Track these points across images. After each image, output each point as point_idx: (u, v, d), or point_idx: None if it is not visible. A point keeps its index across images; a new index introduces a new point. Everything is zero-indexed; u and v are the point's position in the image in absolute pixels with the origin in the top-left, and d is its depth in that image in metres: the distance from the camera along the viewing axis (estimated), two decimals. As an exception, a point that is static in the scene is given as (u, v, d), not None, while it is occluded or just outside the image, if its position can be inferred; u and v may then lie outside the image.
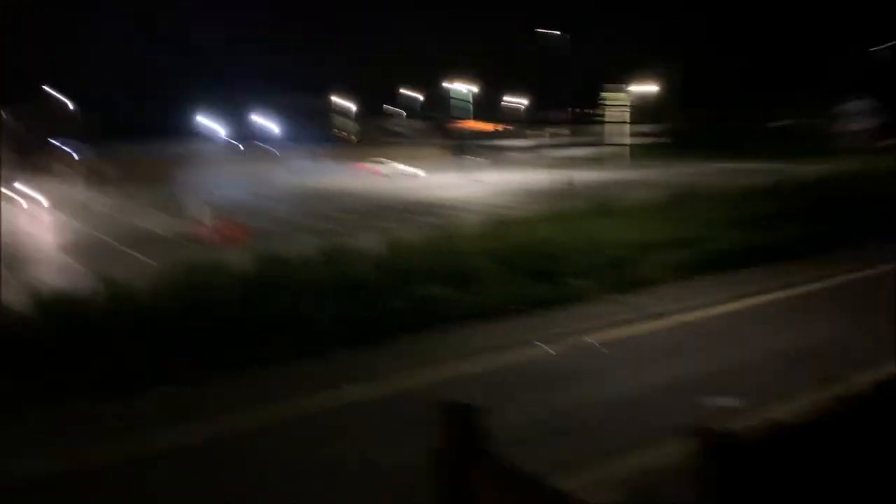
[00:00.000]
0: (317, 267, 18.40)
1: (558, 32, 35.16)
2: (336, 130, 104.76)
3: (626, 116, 30.92)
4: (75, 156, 61.36)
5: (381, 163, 62.47)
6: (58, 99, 58.04)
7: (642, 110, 75.65)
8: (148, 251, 27.81)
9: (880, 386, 7.38)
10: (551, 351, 14.82)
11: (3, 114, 67.12)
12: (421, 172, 58.32)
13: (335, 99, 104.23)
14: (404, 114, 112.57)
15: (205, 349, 14.51)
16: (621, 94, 71.36)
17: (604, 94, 73.44)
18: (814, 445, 5.76)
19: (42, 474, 10.28)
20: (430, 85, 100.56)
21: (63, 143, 57.56)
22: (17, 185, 51.11)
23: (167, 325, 14.90)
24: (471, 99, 67.49)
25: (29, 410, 12.32)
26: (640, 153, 71.77)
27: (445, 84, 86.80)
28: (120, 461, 10.75)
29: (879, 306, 16.21)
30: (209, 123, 78.69)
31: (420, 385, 13.45)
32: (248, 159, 71.26)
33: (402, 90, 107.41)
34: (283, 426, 12.01)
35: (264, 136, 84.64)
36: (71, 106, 57.62)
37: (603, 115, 76.39)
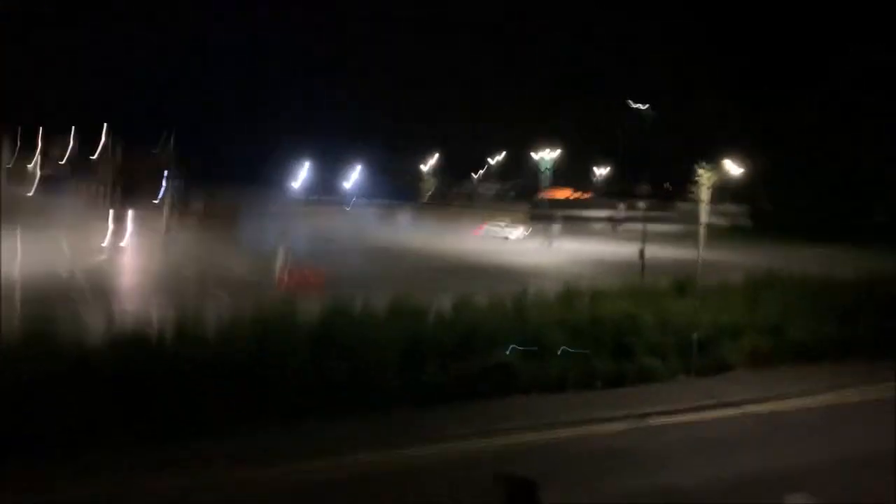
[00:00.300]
0: (388, 324, 18.62)
1: (645, 106, 35.46)
2: (427, 190, 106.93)
3: (709, 194, 30.83)
4: (178, 197, 64.61)
5: (502, 226, 61.27)
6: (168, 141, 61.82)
7: (730, 189, 74.58)
8: (230, 293, 28.83)
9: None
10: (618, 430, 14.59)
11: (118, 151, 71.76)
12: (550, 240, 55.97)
13: (430, 160, 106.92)
14: (480, 176, 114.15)
15: (269, 401, 14.84)
16: (706, 172, 70.43)
17: (695, 171, 72.65)
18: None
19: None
20: (513, 148, 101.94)
21: (169, 184, 61.01)
22: (122, 219, 53.91)
23: (237, 373, 15.33)
24: (551, 165, 67.81)
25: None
26: (722, 233, 70.60)
27: (530, 151, 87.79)
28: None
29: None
30: (305, 176, 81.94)
31: (487, 449, 13.33)
32: (349, 213, 73.43)
33: (487, 156, 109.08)
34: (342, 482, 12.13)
35: (358, 192, 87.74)
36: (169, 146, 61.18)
37: (686, 192, 75.60)
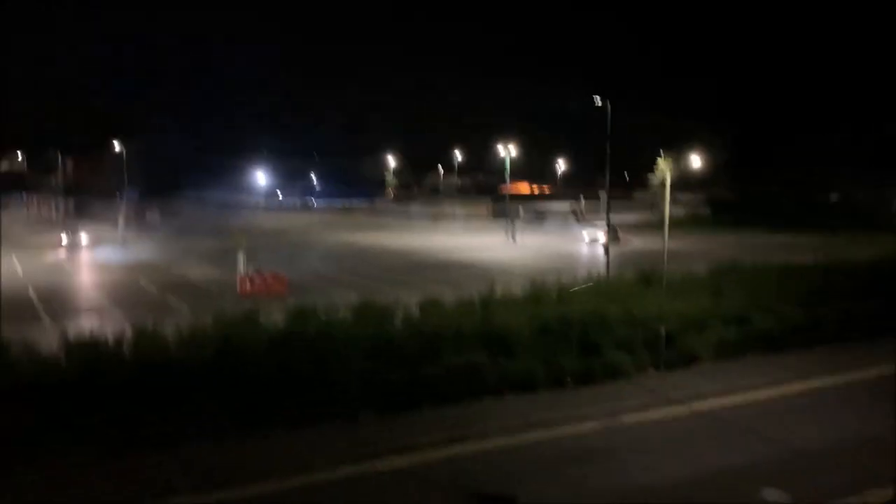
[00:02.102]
0: (351, 325, 18.28)
1: (598, 97, 35.63)
2: (388, 188, 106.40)
3: (669, 184, 30.98)
4: (132, 204, 63.28)
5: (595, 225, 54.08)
6: (118, 149, 60.27)
7: (688, 178, 75.49)
8: (187, 300, 28.18)
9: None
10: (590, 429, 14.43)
11: (66, 162, 70.09)
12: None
13: (388, 158, 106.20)
14: (442, 172, 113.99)
15: (233, 408, 14.42)
16: (666, 161, 71.19)
17: (653, 161, 73.60)
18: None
19: None
20: (474, 143, 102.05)
21: (124, 192, 59.56)
22: (78, 230, 52.67)
23: (197, 381, 14.90)
24: (509, 161, 67.99)
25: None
26: (685, 222, 71.37)
27: (491, 144, 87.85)
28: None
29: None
30: (263, 180, 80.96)
31: (461, 456, 13.08)
32: (301, 213, 72.55)
33: (448, 149, 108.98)
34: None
35: (316, 192, 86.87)
36: (122, 152, 59.71)
37: (647, 182, 76.37)
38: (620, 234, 50.49)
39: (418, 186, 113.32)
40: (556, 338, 18.36)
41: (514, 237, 54.91)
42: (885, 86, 71.46)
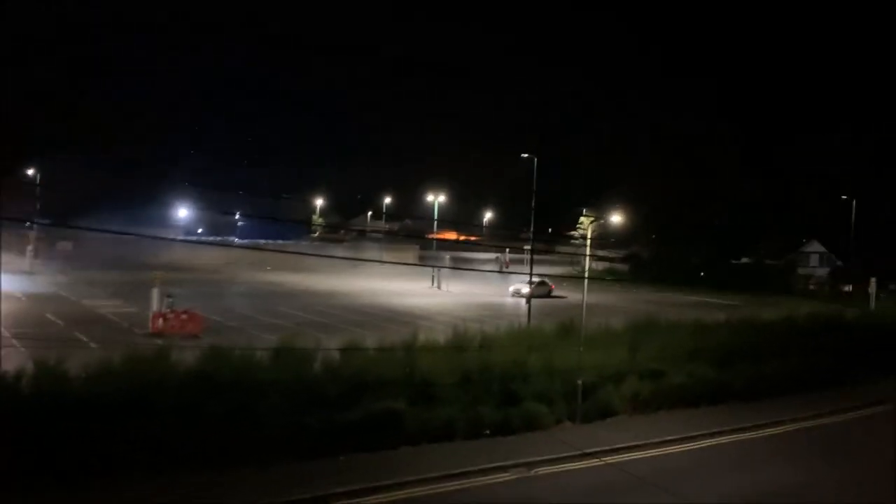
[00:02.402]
0: (271, 369, 17.79)
1: (527, 155, 36.87)
2: (315, 229, 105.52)
3: (589, 240, 31.85)
4: (34, 233, 60.56)
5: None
6: (25, 175, 57.64)
7: (607, 236, 77.86)
8: (95, 335, 26.94)
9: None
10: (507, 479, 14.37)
11: None
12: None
13: (316, 201, 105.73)
14: (370, 216, 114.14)
15: (139, 449, 13.76)
16: (587, 219, 73.36)
17: (576, 216, 75.90)
18: None
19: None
20: (402, 190, 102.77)
21: (28, 221, 56.79)
22: None
23: (103, 419, 14.17)
24: (437, 208, 68.71)
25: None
26: (603, 278, 73.25)
27: (420, 191, 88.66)
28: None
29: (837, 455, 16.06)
30: (186, 216, 78.85)
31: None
32: (223, 250, 70.74)
33: (378, 194, 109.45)
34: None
35: (243, 233, 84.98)
36: (33, 178, 57.16)
37: (569, 237, 78.27)
38: (551, 284, 51.69)
39: (346, 229, 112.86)
40: (476, 386, 18.34)
41: (438, 284, 55.02)
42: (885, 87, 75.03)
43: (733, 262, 77.80)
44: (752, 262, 77.86)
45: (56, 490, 12.29)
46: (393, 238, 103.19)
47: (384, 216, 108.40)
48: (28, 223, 57.11)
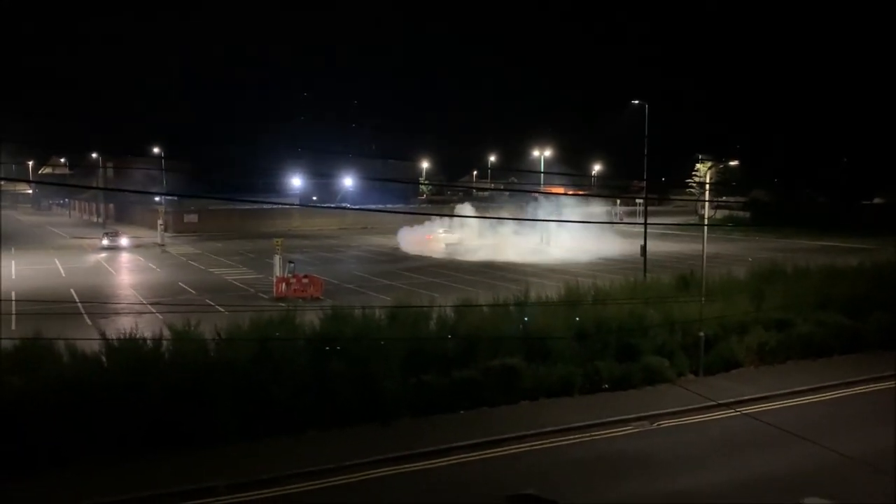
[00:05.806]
0: (388, 327, 18.18)
1: (637, 102, 35.22)
2: (423, 193, 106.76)
3: (707, 188, 30.53)
4: (169, 208, 64.29)
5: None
6: (155, 154, 61.19)
7: (726, 183, 74.43)
8: (224, 301, 28.45)
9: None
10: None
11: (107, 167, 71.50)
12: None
13: (423, 164, 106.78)
14: (476, 176, 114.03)
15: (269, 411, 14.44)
16: (703, 166, 70.33)
17: (693, 165, 73.15)
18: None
19: None
20: (507, 149, 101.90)
21: (160, 196, 60.41)
22: (115, 234, 53.75)
23: (240, 383, 14.94)
24: (542, 163, 67.63)
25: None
26: (722, 226, 70.33)
27: (525, 148, 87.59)
28: None
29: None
30: (298, 182, 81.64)
31: (495, 459, 12.99)
32: (336, 216, 72.89)
33: (483, 155, 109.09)
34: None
35: (350, 195, 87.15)
36: (160, 156, 60.55)
37: (685, 186, 75.49)
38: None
39: (452, 189, 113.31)
40: (593, 341, 18.12)
41: (547, 241, 54.51)
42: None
43: (864, 202, 72.78)
44: (885, 201, 72.63)
45: (199, 451, 13.08)
46: (498, 196, 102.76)
47: (489, 173, 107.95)
48: (157, 198, 60.95)
